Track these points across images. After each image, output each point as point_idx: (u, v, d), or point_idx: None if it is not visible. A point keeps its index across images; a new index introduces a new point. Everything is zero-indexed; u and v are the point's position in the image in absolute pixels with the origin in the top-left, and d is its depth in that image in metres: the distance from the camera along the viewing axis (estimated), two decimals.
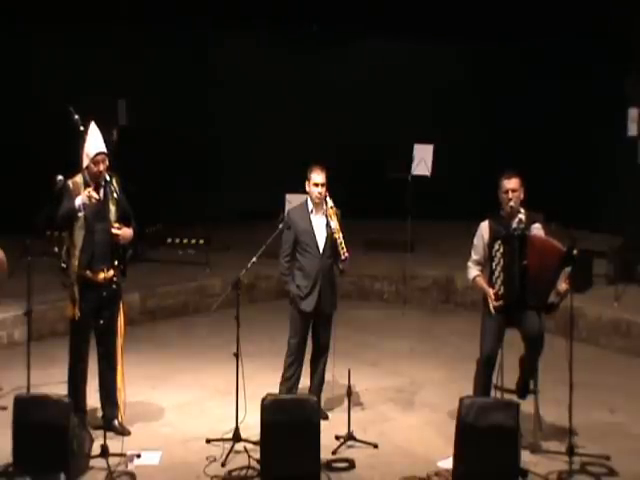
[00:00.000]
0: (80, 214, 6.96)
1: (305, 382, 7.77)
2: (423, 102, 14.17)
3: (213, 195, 13.91)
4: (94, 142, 7.06)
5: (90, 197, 6.94)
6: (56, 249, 7.34)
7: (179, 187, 13.52)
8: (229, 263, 10.71)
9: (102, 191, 7.10)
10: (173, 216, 12.36)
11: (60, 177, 7.13)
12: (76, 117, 7.16)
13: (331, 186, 7.57)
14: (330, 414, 7.62)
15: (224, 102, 14.09)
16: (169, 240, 11.77)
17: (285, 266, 7.69)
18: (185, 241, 11.79)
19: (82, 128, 7.09)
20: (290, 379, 7.69)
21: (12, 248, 8.26)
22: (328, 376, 7.79)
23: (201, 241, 11.73)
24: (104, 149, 7.06)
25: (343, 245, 7.43)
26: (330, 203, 7.54)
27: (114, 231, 7.05)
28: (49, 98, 12.37)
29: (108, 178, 7.07)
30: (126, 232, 7.12)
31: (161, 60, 13.58)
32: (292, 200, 11.06)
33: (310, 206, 7.60)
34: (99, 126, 7.15)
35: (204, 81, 14.02)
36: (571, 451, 6.61)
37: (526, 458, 6.64)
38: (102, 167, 7.04)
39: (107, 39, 13.05)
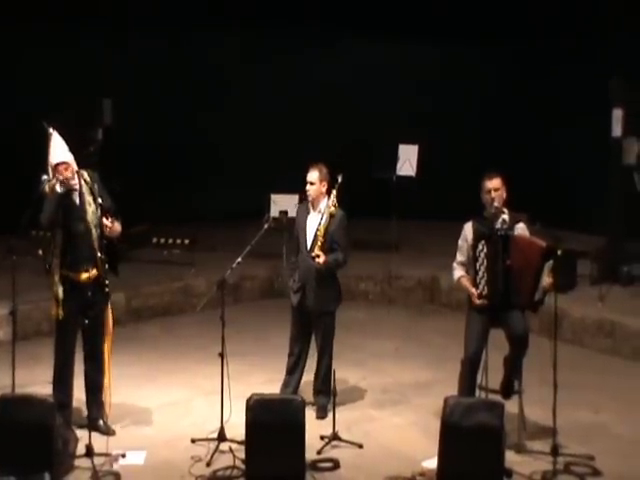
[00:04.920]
0: (59, 189, 6.90)
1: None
2: (408, 102, 14.18)
3: (199, 195, 13.89)
4: (55, 152, 7.02)
5: (65, 179, 6.89)
6: (40, 252, 7.31)
7: (164, 187, 13.49)
8: (214, 263, 10.69)
9: (76, 194, 7.07)
10: (158, 216, 12.33)
11: (45, 176, 7.11)
12: (50, 130, 7.12)
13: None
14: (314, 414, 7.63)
15: (210, 101, 14.07)
16: (154, 240, 11.73)
17: (292, 261, 7.86)
18: (170, 241, 11.75)
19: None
20: (287, 386, 7.72)
21: None
22: (310, 376, 7.80)
23: (186, 241, 11.70)
24: (65, 158, 7.01)
25: (318, 245, 7.47)
26: (330, 202, 7.56)
27: (106, 222, 7.02)
28: (34, 98, 12.34)
29: (76, 180, 7.04)
30: (116, 225, 7.11)
31: (145, 59, 13.53)
32: (277, 200, 11.09)
33: (310, 204, 7.70)
34: (84, 126, 7.13)
35: (189, 80, 13.98)
36: (555, 451, 6.64)
37: (511, 458, 6.65)
38: (70, 174, 7.00)
39: (90, 38, 13.01)
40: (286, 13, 13.66)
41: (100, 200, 7.07)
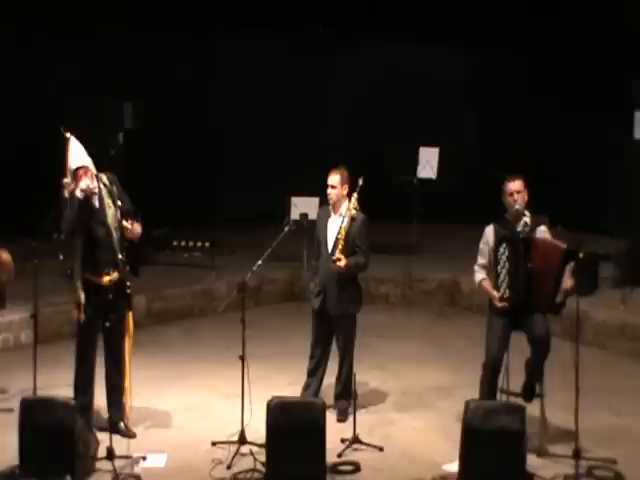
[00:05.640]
0: (79, 195, 6.92)
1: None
2: (429, 104, 14.13)
3: (219, 198, 13.91)
4: (73, 156, 7.05)
5: (86, 188, 6.91)
6: (61, 256, 7.33)
7: (185, 190, 13.53)
8: (235, 266, 10.71)
9: (96, 198, 7.09)
10: (179, 219, 12.36)
11: (67, 180, 7.14)
12: (67, 135, 7.15)
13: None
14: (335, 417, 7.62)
15: (228, 104, 14.06)
16: (175, 243, 11.77)
17: (313, 264, 7.85)
18: (191, 244, 11.79)
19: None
20: (308, 389, 7.72)
21: (19, 251, 8.28)
22: (330, 379, 7.79)
23: (207, 244, 11.72)
24: (84, 162, 7.03)
25: (339, 248, 7.46)
26: (351, 205, 7.55)
27: (126, 224, 7.04)
28: (54, 102, 12.40)
29: (96, 183, 7.06)
30: (136, 227, 7.13)
31: (165, 62, 13.58)
32: (298, 203, 11.10)
33: (331, 207, 7.70)
34: (105, 130, 7.16)
35: (207, 83, 14.01)
36: (577, 455, 6.60)
37: (532, 462, 6.63)
38: (87, 180, 7.00)
39: (112, 43, 13.06)
40: (303, 14, 13.66)
41: (119, 203, 7.09)
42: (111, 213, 7.11)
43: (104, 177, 7.15)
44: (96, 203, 7.09)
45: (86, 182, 6.94)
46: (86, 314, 7.06)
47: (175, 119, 13.56)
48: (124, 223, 7.06)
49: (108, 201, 7.11)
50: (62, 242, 7.13)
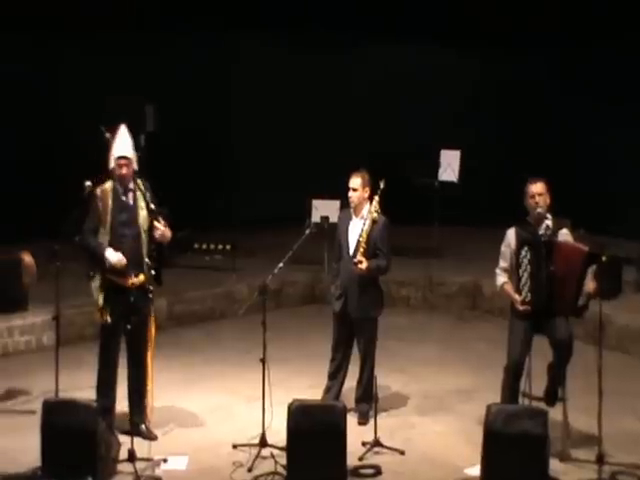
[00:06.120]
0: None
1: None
2: (451, 106, 14.12)
3: (240, 200, 13.92)
4: (120, 145, 7.12)
5: (119, 261, 6.98)
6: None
7: (206, 192, 13.55)
8: (256, 268, 10.71)
9: (131, 195, 7.14)
10: (200, 221, 12.38)
11: (88, 183, 7.17)
12: (107, 135, 7.20)
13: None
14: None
15: (250, 106, 14.07)
16: (196, 245, 11.79)
17: (334, 267, 7.84)
18: (212, 246, 11.80)
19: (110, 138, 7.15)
20: (329, 392, 7.71)
21: (41, 253, 8.31)
22: (351, 382, 7.78)
23: (228, 246, 11.73)
24: (128, 153, 7.10)
25: (360, 251, 7.45)
26: (372, 208, 7.54)
27: (158, 225, 7.06)
28: (76, 105, 12.46)
29: (132, 185, 7.11)
30: (167, 230, 7.15)
31: (186, 64, 13.61)
32: (319, 206, 11.10)
33: (352, 210, 7.70)
34: (111, 135, 7.20)
35: (227, 86, 14.01)
36: (601, 459, 6.56)
37: (555, 466, 6.59)
38: (125, 170, 7.08)
39: (133, 45, 13.10)
40: (322, 15, 13.67)
41: (152, 206, 7.12)
42: (143, 215, 7.14)
43: (140, 181, 7.19)
44: (130, 201, 7.12)
45: (118, 257, 6.99)
46: (111, 316, 7.08)
47: (194, 121, 13.58)
48: (156, 224, 7.08)
49: (142, 204, 7.15)
50: (82, 244, 7.15)
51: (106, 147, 7.19)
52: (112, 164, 7.12)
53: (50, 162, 12.55)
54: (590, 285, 6.93)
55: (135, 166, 7.16)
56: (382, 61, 14.54)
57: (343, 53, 14.38)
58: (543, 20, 13.19)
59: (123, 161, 7.07)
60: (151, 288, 7.18)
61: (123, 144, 7.12)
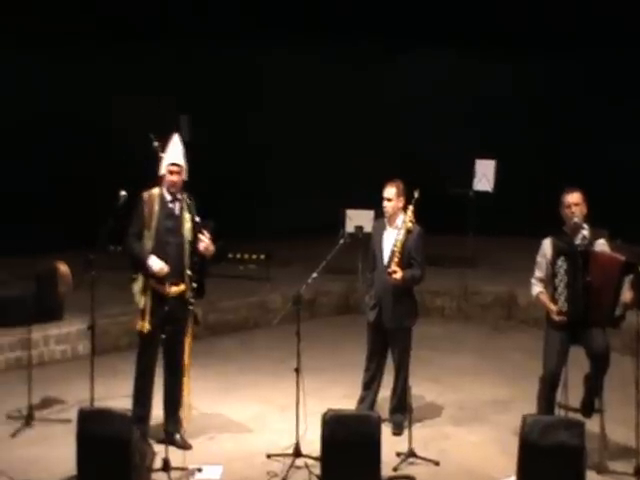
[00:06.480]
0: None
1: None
2: (486, 116, 14.06)
3: (274, 210, 13.95)
4: (172, 152, 7.18)
5: (161, 269, 7.02)
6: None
7: (240, 202, 13.59)
8: (290, 278, 10.72)
9: (178, 205, 7.18)
10: (234, 231, 12.42)
11: (123, 192, 7.23)
12: (155, 144, 7.25)
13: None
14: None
15: (283, 117, 14.09)
16: (230, 255, 11.83)
17: (368, 277, 7.82)
18: (246, 256, 11.84)
19: (161, 154, 7.20)
20: (363, 402, 7.69)
21: (76, 262, 8.37)
22: (386, 392, 7.75)
23: (262, 256, 11.77)
24: (180, 161, 7.16)
25: (395, 260, 7.43)
26: (407, 217, 7.52)
27: (202, 237, 7.11)
28: (113, 116, 12.56)
29: (180, 196, 7.15)
30: (211, 245, 7.18)
31: (219, 74, 13.67)
32: (353, 216, 11.10)
33: (387, 220, 7.69)
34: (162, 143, 7.24)
35: (260, 96, 14.05)
36: (639, 472, 6.48)
37: (592, 479, 6.53)
38: (176, 178, 7.13)
39: (166, 55, 13.19)
40: (355, 25, 13.68)
41: (197, 218, 7.16)
42: (187, 226, 7.18)
43: (186, 195, 7.24)
44: (176, 211, 7.17)
45: (160, 265, 7.03)
46: (150, 324, 7.11)
47: (228, 132, 13.63)
48: (200, 236, 7.12)
49: (187, 215, 7.18)
50: (120, 252, 7.20)
51: (154, 155, 7.24)
52: (163, 170, 7.17)
53: (84, 172, 12.64)
54: (627, 295, 6.86)
55: (185, 176, 7.20)
56: (416, 70, 14.51)
57: (376, 62, 14.39)
58: (574, 31, 13.12)
59: (175, 168, 7.13)
60: (192, 301, 7.20)
61: (176, 152, 7.19)
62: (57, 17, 12.19)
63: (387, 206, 7.59)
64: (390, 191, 7.57)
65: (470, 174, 12.19)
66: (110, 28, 12.60)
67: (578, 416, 6.88)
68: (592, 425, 6.93)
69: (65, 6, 12.20)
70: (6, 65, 12.28)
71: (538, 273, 7.17)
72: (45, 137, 12.54)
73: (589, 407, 7.10)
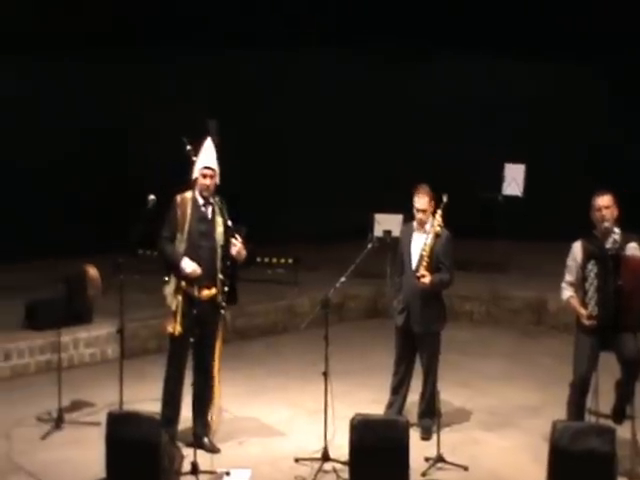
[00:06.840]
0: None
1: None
2: (516, 119, 13.99)
3: (302, 214, 13.94)
4: (205, 156, 7.20)
5: (194, 271, 7.03)
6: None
7: (268, 206, 13.59)
8: (318, 282, 10.71)
9: (210, 209, 7.19)
10: (262, 235, 12.43)
11: (152, 196, 7.25)
12: (188, 148, 7.28)
13: None
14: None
15: (312, 121, 14.06)
16: (258, 259, 11.84)
17: (396, 281, 7.82)
18: (274, 260, 11.85)
19: (194, 158, 7.22)
20: (392, 406, 7.67)
21: (105, 266, 8.41)
22: (414, 396, 7.72)
23: (290, 260, 11.78)
24: (212, 165, 7.17)
25: (423, 265, 7.40)
26: (435, 222, 7.49)
27: (235, 241, 7.12)
28: (138, 120, 12.60)
29: (212, 200, 7.16)
30: (243, 249, 7.19)
31: (246, 80, 13.69)
32: (381, 221, 11.08)
33: (415, 224, 7.66)
34: (192, 147, 7.27)
35: (286, 100, 14.04)
36: None
37: None
38: (209, 181, 7.15)
39: (194, 57, 13.22)
40: (383, 30, 13.64)
41: (230, 223, 7.17)
42: (219, 231, 7.19)
43: (218, 198, 7.25)
44: (209, 215, 7.19)
45: (193, 267, 7.05)
46: (181, 326, 7.12)
47: (256, 136, 13.63)
48: (233, 240, 7.14)
49: (219, 219, 7.20)
50: (148, 257, 7.23)
51: (187, 159, 7.26)
52: (196, 174, 7.19)
53: (113, 177, 12.70)
54: None
55: (217, 180, 7.22)
56: (444, 74, 14.46)
57: (404, 68, 14.34)
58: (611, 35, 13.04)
59: (208, 171, 7.15)
60: (224, 304, 7.20)
61: (209, 155, 7.22)
62: (86, 21, 12.25)
63: (422, 217, 7.54)
64: (423, 202, 7.52)
65: (499, 178, 12.13)
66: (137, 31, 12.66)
67: (609, 422, 6.81)
68: (623, 432, 6.87)
69: (96, 8, 12.26)
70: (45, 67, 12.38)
71: (568, 277, 7.11)
72: (77, 142, 12.63)
73: (620, 413, 7.04)
